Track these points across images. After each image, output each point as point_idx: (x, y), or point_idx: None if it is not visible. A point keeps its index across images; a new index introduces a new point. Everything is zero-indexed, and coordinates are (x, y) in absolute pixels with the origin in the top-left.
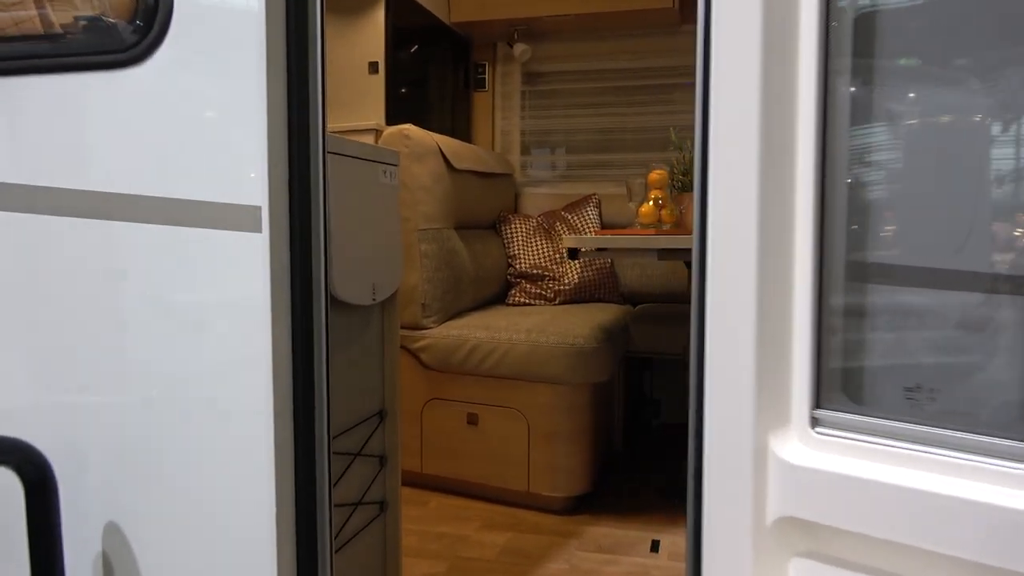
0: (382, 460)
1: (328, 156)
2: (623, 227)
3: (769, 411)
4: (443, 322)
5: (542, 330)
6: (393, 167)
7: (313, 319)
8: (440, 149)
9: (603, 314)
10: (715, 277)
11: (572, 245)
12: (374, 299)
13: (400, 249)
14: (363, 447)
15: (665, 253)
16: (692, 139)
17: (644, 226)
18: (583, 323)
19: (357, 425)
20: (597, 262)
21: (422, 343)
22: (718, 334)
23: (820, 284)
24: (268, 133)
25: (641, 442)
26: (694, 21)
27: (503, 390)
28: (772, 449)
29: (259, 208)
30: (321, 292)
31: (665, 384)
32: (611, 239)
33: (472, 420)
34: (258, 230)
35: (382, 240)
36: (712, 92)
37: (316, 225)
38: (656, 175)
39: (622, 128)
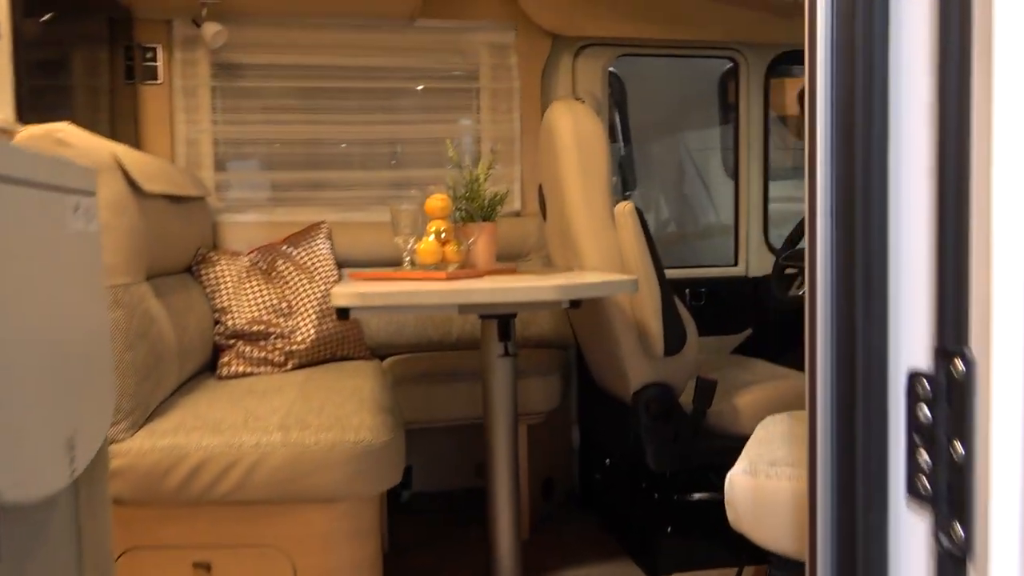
0: None
1: None
2: (369, 266)
3: None
4: (142, 426)
5: (301, 421)
6: (88, 197)
7: None
8: (120, 163)
9: (364, 380)
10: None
11: (345, 303)
12: (73, 470)
13: (109, 355)
14: None
15: (469, 306)
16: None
17: (424, 267)
18: (352, 401)
19: None
20: None
21: (112, 466)
22: None
23: None
24: None
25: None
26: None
27: (250, 522)
28: None
29: None
30: None
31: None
32: (403, 292)
33: (202, 571)
34: None
35: (78, 345)
36: None
37: None
38: (436, 202)
39: (353, 139)
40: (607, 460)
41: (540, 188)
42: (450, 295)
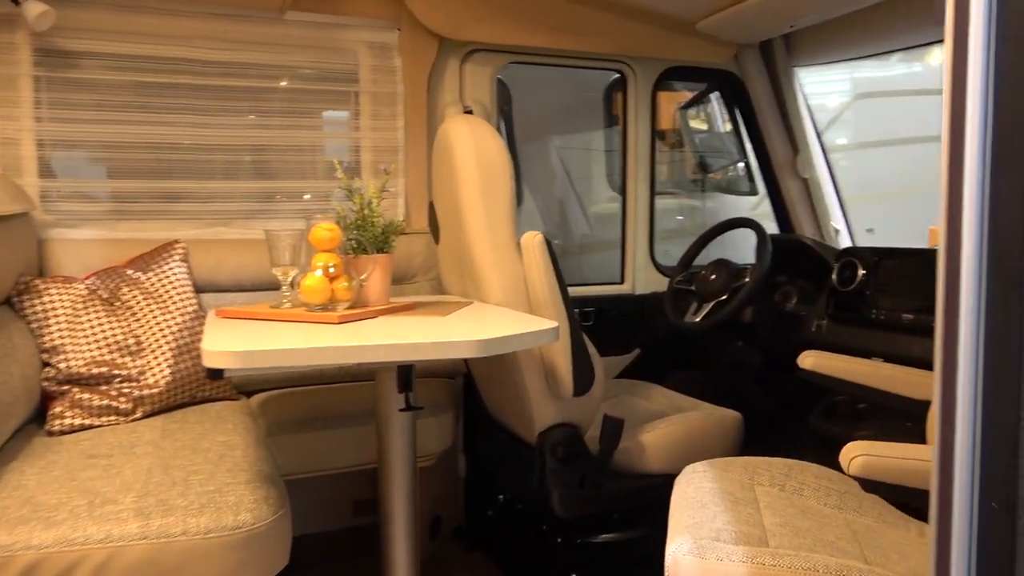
0: None
1: None
2: (235, 291)
3: None
4: None
5: (164, 504)
6: None
7: None
8: None
9: (234, 432)
10: None
11: (220, 364)
12: None
13: None
14: None
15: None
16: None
17: (311, 308)
18: (223, 466)
19: None
20: (198, 345)
21: None
22: None
23: None
24: None
25: None
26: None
27: None
28: None
29: None
30: None
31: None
32: (293, 350)
33: None
34: None
35: None
36: None
37: None
38: (324, 232)
39: (213, 144)
40: (500, 496)
41: (432, 206)
42: (352, 352)
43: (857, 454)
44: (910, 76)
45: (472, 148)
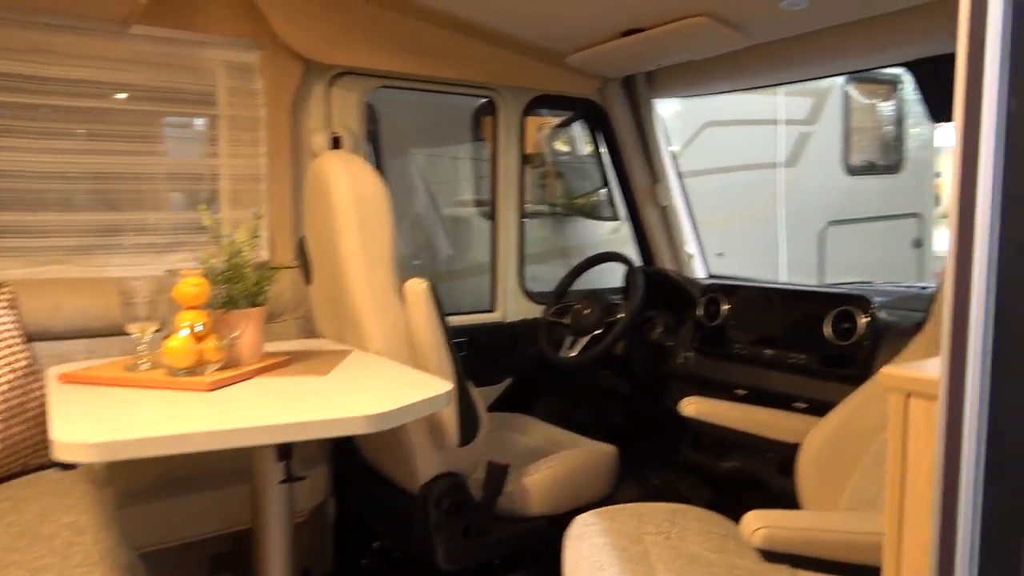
0: None
1: None
2: (75, 337)
3: None
4: None
5: None
6: None
7: None
8: None
9: (80, 510)
10: None
11: (74, 457)
12: None
13: None
14: None
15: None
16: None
17: (175, 372)
18: (73, 560)
19: None
20: (32, 406)
21: None
22: None
23: None
24: None
25: None
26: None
27: None
28: None
29: None
30: None
31: None
32: (162, 438)
33: None
34: None
35: None
36: None
37: None
38: (189, 288)
39: (44, 171)
40: (375, 544)
41: (302, 243)
42: (232, 436)
43: (758, 527)
44: (748, 107)
45: (350, 189)
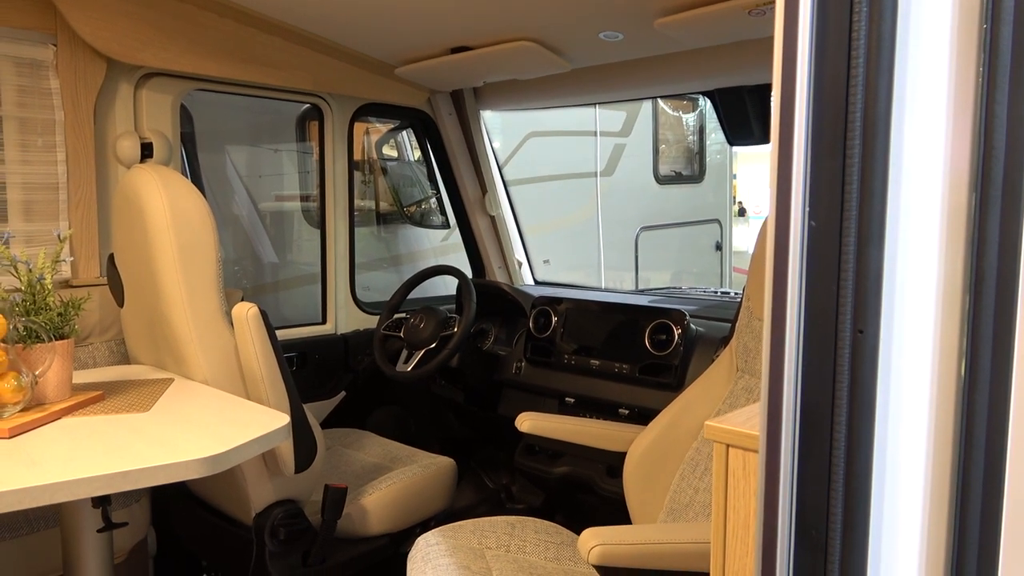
0: None
1: None
2: None
3: None
4: None
5: None
6: None
7: None
8: None
9: None
10: None
11: None
12: None
13: None
14: None
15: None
16: None
17: None
18: None
19: None
20: None
21: None
22: None
23: None
24: None
25: None
26: None
27: None
28: None
29: None
30: None
31: None
32: None
33: None
34: None
35: None
36: None
37: None
38: None
39: None
40: (204, 575)
41: (111, 260)
42: (44, 492)
43: (594, 544)
44: (569, 118)
45: (168, 211)
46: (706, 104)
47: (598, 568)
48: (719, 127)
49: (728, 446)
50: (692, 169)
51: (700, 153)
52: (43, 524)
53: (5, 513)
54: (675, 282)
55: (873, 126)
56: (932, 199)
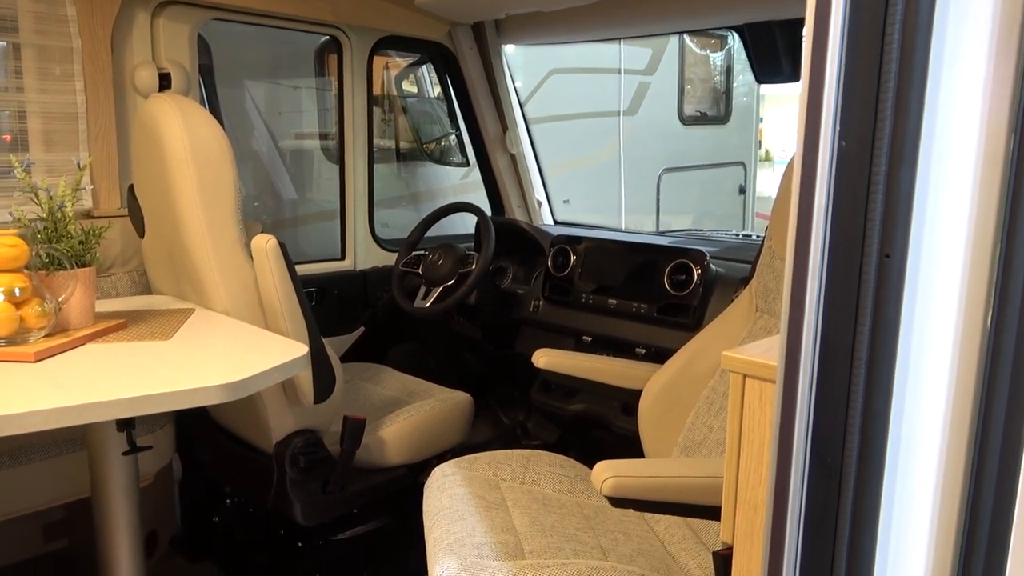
0: None
1: None
2: None
3: None
4: None
5: None
6: None
7: None
8: None
9: None
10: None
11: None
12: None
13: None
14: None
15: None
16: None
17: None
18: None
19: None
20: None
21: None
22: None
23: None
24: None
25: None
26: None
27: None
28: None
29: None
30: None
31: None
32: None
33: None
34: None
35: None
36: None
37: None
38: (4, 249)
39: None
40: (228, 501)
41: (132, 191)
42: (70, 414)
43: (607, 476)
44: (592, 55)
45: (186, 140)
46: (735, 43)
47: (610, 499)
48: (747, 68)
49: (745, 376)
50: (718, 110)
51: (727, 93)
52: (71, 447)
53: (35, 436)
54: (696, 225)
55: (912, 39)
56: (970, 120)
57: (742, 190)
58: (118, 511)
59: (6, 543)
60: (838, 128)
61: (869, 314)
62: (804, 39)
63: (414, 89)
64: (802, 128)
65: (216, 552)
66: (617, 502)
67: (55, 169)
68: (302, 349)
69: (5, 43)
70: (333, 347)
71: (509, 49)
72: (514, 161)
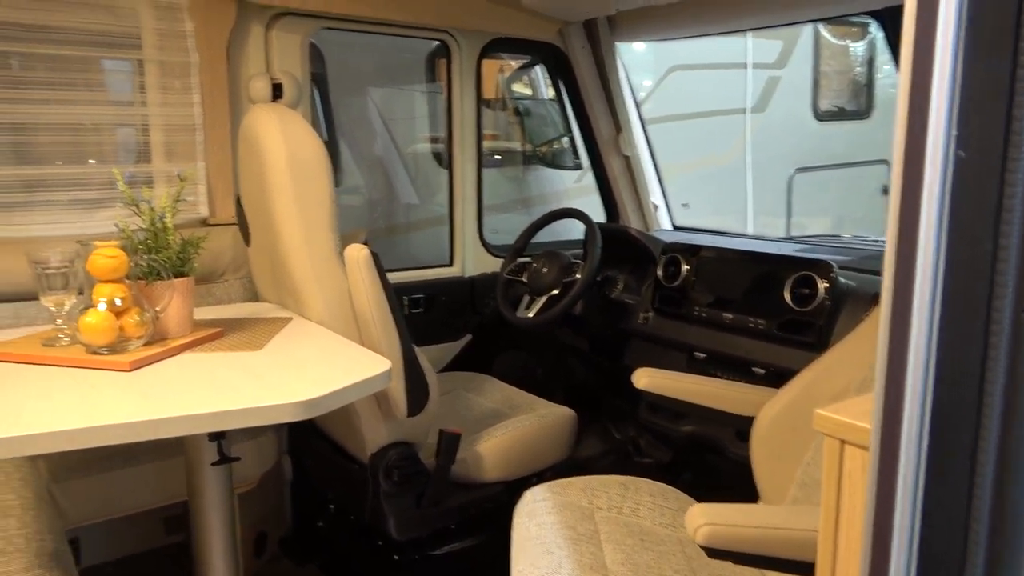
0: None
1: None
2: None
3: None
4: None
5: None
6: None
7: None
8: None
9: (8, 489)
10: None
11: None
12: None
13: None
14: None
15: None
16: None
17: (94, 349)
18: None
19: None
20: None
21: None
22: None
23: None
24: None
25: None
26: None
27: None
28: None
29: None
30: None
31: None
32: (78, 433)
33: None
34: None
35: None
36: None
37: None
38: (105, 260)
39: None
40: (331, 506)
41: (239, 201)
42: (151, 427)
43: (702, 523)
44: (716, 49)
45: (283, 149)
46: (878, 32)
47: (705, 549)
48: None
49: (843, 442)
50: (858, 104)
51: (868, 86)
52: (170, 452)
53: (140, 443)
54: (834, 229)
55: None
56: None
57: (886, 190)
58: (213, 517)
59: (130, 536)
60: (953, 133)
61: (1001, 383)
62: (904, 13)
63: (528, 91)
64: (901, 135)
65: (321, 557)
66: (713, 553)
67: (175, 179)
68: (386, 364)
69: (131, 60)
70: (440, 354)
71: (625, 48)
72: (628, 164)
